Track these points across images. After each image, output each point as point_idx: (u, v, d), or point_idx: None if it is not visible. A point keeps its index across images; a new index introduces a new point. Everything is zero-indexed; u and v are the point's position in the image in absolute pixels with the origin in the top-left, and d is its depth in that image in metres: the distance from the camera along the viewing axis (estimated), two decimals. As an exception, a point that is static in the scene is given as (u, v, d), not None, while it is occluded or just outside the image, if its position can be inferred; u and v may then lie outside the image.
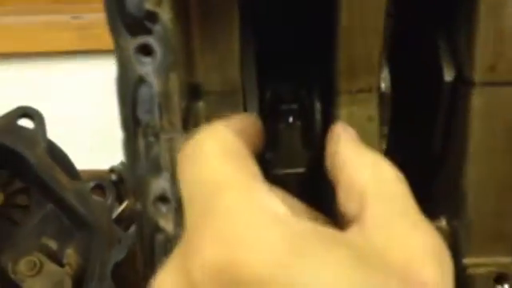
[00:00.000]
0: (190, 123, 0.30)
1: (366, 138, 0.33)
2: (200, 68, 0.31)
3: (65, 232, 0.58)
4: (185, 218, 0.23)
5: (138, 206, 0.27)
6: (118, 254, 0.57)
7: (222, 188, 0.21)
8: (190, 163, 0.23)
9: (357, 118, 0.33)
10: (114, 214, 0.62)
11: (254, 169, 0.23)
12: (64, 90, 1.12)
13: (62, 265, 0.56)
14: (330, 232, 0.21)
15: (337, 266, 0.19)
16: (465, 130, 0.33)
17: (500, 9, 0.30)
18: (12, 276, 0.56)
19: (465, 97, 0.33)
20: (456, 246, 0.35)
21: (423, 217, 0.23)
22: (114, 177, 0.69)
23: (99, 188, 0.60)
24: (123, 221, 0.62)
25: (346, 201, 0.24)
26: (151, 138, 0.25)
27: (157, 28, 0.24)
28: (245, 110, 0.33)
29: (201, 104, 0.32)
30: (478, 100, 0.32)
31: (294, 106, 0.36)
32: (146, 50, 0.24)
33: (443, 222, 0.36)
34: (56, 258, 0.57)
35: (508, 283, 0.34)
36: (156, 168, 0.26)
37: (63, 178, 0.57)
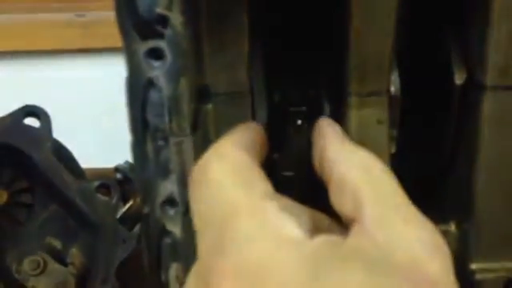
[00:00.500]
0: (199, 125, 0.29)
1: (375, 141, 0.33)
2: (208, 70, 0.31)
3: (69, 231, 0.58)
4: (198, 243, 0.23)
5: (146, 209, 0.27)
6: (122, 254, 0.57)
7: (234, 214, 0.22)
8: (199, 188, 0.23)
9: (366, 120, 0.33)
10: (119, 214, 0.62)
11: (264, 186, 0.23)
12: (68, 87, 1.12)
13: (65, 264, 0.56)
14: (339, 243, 0.22)
15: (353, 283, 0.19)
16: (475, 133, 0.33)
17: (513, 11, 0.30)
18: (16, 275, 0.56)
19: (476, 100, 0.32)
20: (465, 251, 0.34)
21: (417, 210, 0.23)
22: (118, 176, 0.68)
23: (104, 187, 0.60)
24: (128, 220, 0.62)
25: (340, 200, 0.24)
26: (160, 142, 0.25)
27: (168, 32, 0.24)
28: (253, 112, 0.33)
29: (209, 106, 0.32)
30: (489, 104, 0.32)
31: (303, 109, 0.36)
32: (156, 54, 0.24)
33: (452, 227, 0.36)
34: (60, 258, 0.57)
35: (517, 288, 0.34)
36: (164, 171, 0.26)
37: (68, 178, 0.57)
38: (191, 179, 0.24)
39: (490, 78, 0.31)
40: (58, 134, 0.64)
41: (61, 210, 0.58)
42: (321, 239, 0.21)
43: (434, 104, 0.35)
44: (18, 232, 0.59)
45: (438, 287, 0.21)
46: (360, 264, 0.20)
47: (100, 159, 0.85)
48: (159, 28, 0.23)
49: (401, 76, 0.33)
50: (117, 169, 0.70)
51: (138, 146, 0.25)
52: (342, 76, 0.32)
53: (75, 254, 0.56)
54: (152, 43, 0.24)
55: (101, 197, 0.59)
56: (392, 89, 0.33)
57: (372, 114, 0.32)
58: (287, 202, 0.25)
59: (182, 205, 0.26)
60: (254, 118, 0.33)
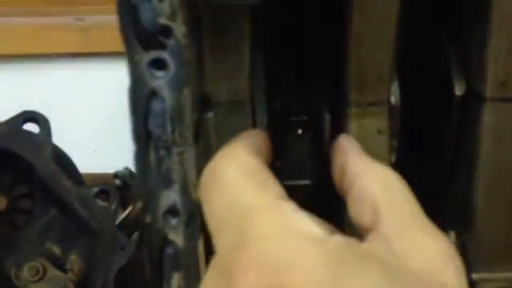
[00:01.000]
0: (201, 135, 0.29)
1: (375, 151, 0.33)
2: (210, 79, 0.31)
3: (68, 237, 0.58)
4: (215, 242, 0.23)
5: (148, 219, 0.27)
6: (121, 260, 0.57)
7: (252, 212, 0.22)
8: (213, 189, 0.24)
9: (366, 130, 0.33)
10: (118, 220, 0.62)
11: (277, 188, 0.24)
12: (68, 91, 1.12)
13: (65, 271, 0.56)
14: (358, 244, 0.22)
15: (372, 282, 0.20)
16: (475, 144, 0.33)
17: (512, 24, 0.30)
18: (15, 281, 0.56)
19: (475, 112, 0.33)
20: (465, 261, 0.34)
21: (432, 222, 0.24)
22: (118, 182, 0.68)
23: (103, 193, 0.60)
24: (127, 226, 0.62)
25: (359, 211, 0.25)
26: (162, 152, 0.25)
27: (170, 42, 0.24)
28: (254, 120, 0.33)
29: (210, 115, 0.32)
30: (488, 115, 0.32)
31: (304, 118, 0.36)
32: (159, 64, 0.24)
33: (452, 237, 0.36)
34: (59, 264, 0.57)
35: (517, 299, 0.34)
36: (167, 181, 0.26)
37: (67, 183, 0.57)
38: (202, 180, 0.25)
39: (490, 89, 0.32)
40: (57, 137, 0.64)
41: (60, 216, 0.58)
42: (339, 237, 0.22)
43: (433, 115, 0.35)
44: (17, 238, 0.58)
45: None
46: (379, 265, 0.21)
47: (99, 164, 0.85)
48: (162, 39, 0.24)
49: (401, 86, 0.33)
50: (116, 175, 0.70)
51: (140, 155, 0.25)
52: (342, 86, 0.32)
53: (74, 261, 0.56)
54: (155, 53, 0.24)
55: (100, 203, 0.59)
56: (392, 99, 0.33)
57: (372, 124, 0.33)
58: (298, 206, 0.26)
59: (184, 214, 0.26)
60: (254, 126, 0.33)
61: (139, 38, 0.24)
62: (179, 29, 0.24)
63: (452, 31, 0.34)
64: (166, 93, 0.24)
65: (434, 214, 0.36)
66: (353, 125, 0.33)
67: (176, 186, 0.26)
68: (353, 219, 0.25)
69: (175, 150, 0.26)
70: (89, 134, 1.11)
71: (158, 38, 0.24)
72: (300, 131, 0.36)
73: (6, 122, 0.59)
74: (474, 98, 0.33)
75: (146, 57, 0.24)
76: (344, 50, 0.31)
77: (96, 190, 0.59)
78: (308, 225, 0.22)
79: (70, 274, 0.56)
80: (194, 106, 0.26)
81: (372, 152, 0.32)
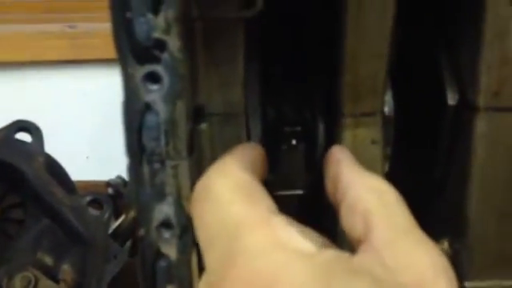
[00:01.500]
0: (195, 148, 0.29)
1: (369, 161, 0.33)
2: (204, 90, 0.31)
3: (60, 247, 0.58)
4: (205, 257, 0.23)
5: (141, 232, 0.27)
6: (113, 269, 0.57)
7: (241, 229, 0.22)
8: (204, 205, 0.24)
9: (360, 140, 0.33)
10: (111, 229, 0.61)
11: (268, 202, 0.24)
12: (59, 99, 1.11)
13: (57, 281, 0.56)
14: (348, 258, 0.22)
15: None
16: (467, 154, 0.33)
17: (505, 34, 0.30)
18: (7, 292, 0.55)
19: (468, 121, 0.33)
20: (458, 270, 0.35)
21: (425, 235, 0.24)
22: (110, 191, 0.68)
23: (96, 202, 0.60)
24: (120, 235, 0.62)
25: (351, 221, 0.25)
26: (156, 165, 0.25)
27: (165, 56, 0.24)
28: (248, 131, 0.33)
29: (204, 126, 0.32)
30: (481, 125, 0.32)
31: (298, 128, 0.36)
32: (153, 78, 0.24)
33: (445, 245, 0.36)
34: (51, 274, 0.56)
35: (511, 307, 0.34)
36: (160, 194, 0.26)
37: (60, 193, 0.57)
38: (194, 196, 0.25)
39: (482, 99, 0.32)
40: (49, 144, 0.64)
41: (52, 226, 0.58)
42: (329, 252, 0.22)
43: (427, 124, 0.36)
44: (9, 247, 0.58)
45: None
46: (369, 280, 0.21)
47: (92, 172, 0.85)
48: (157, 52, 0.24)
49: (394, 97, 0.33)
50: (109, 184, 0.70)
51: (134, 169, 0.25)
52: (336, 97, 0.32)
53: (67, 271, 0.56)
54: (149, 67, 0.24)
55: (92, 212, 0.58)
56: (386, 109, 0.33)
57: (366, 134, 0.33)
58: (289, 219, 0.25)
59: (177, 227, 0.26)
60: (248, 137, 0.33)
61: (134, 52, 0.24)
62: (174, 43, 0.24)
63: (445, 42, 0.34)
64: (160, 106, 0.24)
65: (428, 222, 0.36)
66: (347, 135, 0.33)
67: (170, 199, 0.26)
68: (345, 230, 0.25)
69: (169, 164, 0.26)
70: (81, 141, 1.10)
71: (153, 51, 0.24)
72: (294, 141, 0.36)
73: (-2, 131, 0.58)
74: (467, 107, 0.33)
75: (141, 71, 0.24)
76: (338, 61, 0.31)
77: (89, 198, 0.59)
78: (297, 240, 0.22)
79: (62, 284, 0.55)
80: (188, 118, 0.26)
81: (366, 162, 0.32)
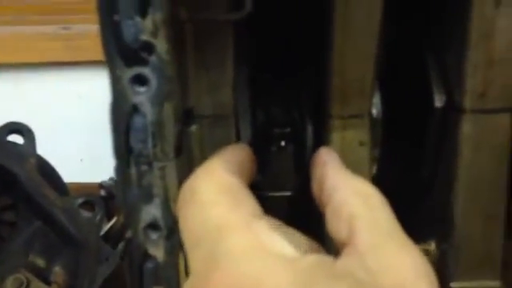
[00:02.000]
0: (183, 148, 0.30)
1: (356, 162, 0.33)
2: (193, 92, 0.31)
3: (52, 249, 0.58)
4: (190, 259, 0.23)
5: (129, 233, 0.27)
6: (105, 271, 0.57)
7: (225, 232, 0.22)
8: (189, 206, 0.24)
9: (348, 142, 0.33)
10: (103, 231, 0.61)
11: (252, 205, 0.24)
12: (53, 101, 1.11)
13: (49, 283, 0.56)
14: (330, 263, 0.22)
15: None
16: (454, 155, 0.33)
17: (490, 37, 0.31)
18: (-2, 294, 0.55)
19: (455, 123, 0.33)
20: (444, 270, 0.35)
21: (409, 239, 0.24)
22: (103, 192, 0.68)
23: (88, 204, 0.60)
24: (112, 237, 0.62)
25: (336, 225, 0.25)
26: (144, 167, 0.26)
27: (152, 59, 0.24)
28: (237, 133, 0.34)
29: (194, 128, 0.32)
30: (467, 126, 0.33)
31: (287, 130, 0.36)
32: (140, 80, 0.24)
33: (432, 246, 0.36)
34: (43, 276, 0.56)
35: (496, 307, 0.34)
36: (148, 196, 0.26)
37: (52, 195, 0.57)
38: (180, 199, 0.25)
39: (469, 101, 0.32)
40: (43, 146, 0.64)
41: (44, 228, 0.58)
42: (312, 257, 0.22)
43: (415, 126, 0.36)
44: (1, 250, 0.58)
45: None
46: (351, 283, 0.21)
47: (86, 173, 0.85)
48: (144, 55, 0.24)
49: (382, 98, 0.34)
50: (101, 185, 0.70)
51: (121, 170, 0.26)
52: (324, 99, 0.32)
53: (58, 273, 0.56)
54: (137, 69, 0.24)
55: (84, 214, 0.58)
56: (374, 111, 0.33)
57: (354, 136, 0.33)
58: (275, 222, 0.25)
59: (165, 229, 0.26)
60: (238, 139, 0.34)
61: (121, 54, 0.24)
62: (161, 45, 0.24)
63: (432, 44, 0.35)
64: (148, 108, 0.25)
65: (416, 223, 0.37)
66: (335, 137, 0.33)
67: (157, 201, 0.26)
68: (330, 233, 0.25)
69: (156, 165, 0.26)
70: (75, 144, 1.10)
71: (140, 54, 0.24)
72: (283, 143, 0.36)
73: (-11, 133, 0.58)
74: (454, 109, 0.33)
75: (128, 73, 0.24)
76: (326, 63, 0.31)
77: (81, 200, 0.59)
78: (280, 244, 0.22)
79: (54, 286, 0.55)
80: (177, 120, 0.26)
81: (354, 163, 0.33)
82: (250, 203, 0.24)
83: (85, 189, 0.72)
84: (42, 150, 0.65)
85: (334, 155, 0.30)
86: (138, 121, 0.25)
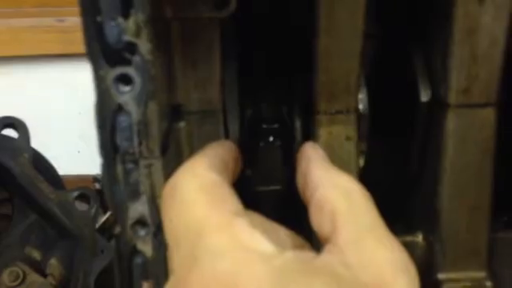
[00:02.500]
0: (171, 144, 0.30)
1: (344, 157, 0.33)
2: (181, 88, 0.32)
3: (48, 242, 0.58)
4: (171, 257, 0.24)
5: (117, 230, 0.27)
6: (100, 264, 0.57)
7: (204, 231, 0.22)
8: (171, 204, 0.24)
9: (335, 137, 0.33)
10: (98, 224, 0.62)
11: (234, 203, 0.24)
12: (48, 93, 1.11)
13: (45, 275, 0.56)
14: (309, 259, 0.23)
15: None
16: (440, 149, 0.34)
17: (474, 33, 0.31)
18: (-5, 286, 0.56)
19: (440, 117, 0.33)
20: (431, 261, 0.36)
21: (389, 232, 0.24)
22: (98, 186, 0.69)
23: (83, 197, 0.60)
24: (107, 230, 0.62)
25: (319, 219, 0.25)
26: (130, 165, 0.26)
27: (135, 59, 0.24)
28: (226, 129, 0.34)
29: (182, 124, 0.32)
30: (452, 121, 0.33)
31: (275, 126, 0.36)
32: (124, 80, 0.24)
33: (419, 238, 0.37)
34: (39, 269, 0.57)
35: (482, 298, 0.35)
36: (135, 193, 0.27)
37: (46, 188, 0.57)
38: (163, 197, 0.25)
39: (453, 96, 0.33)
40: (40, 138, 0.64)
41: (40, 221, 0.59)
42: (291, 254, 0.22)
43: (401, 121, 0.36)
44: (-4, 243, 0.59)
45: None
46: (328, 280, 0.21)
47: (83, 167, 0.85)
48: (127, 55, 0.24)
49: (369, 93, 0.34)
50: (95, 179, 0.70)
51: (107, 168, 0.26)
52: (312, 95, 0.33)
53: (54, 265, 0.56)
54: (120, 69, 0.24)
55: (79, 207, 0.59)
56: (360, 106, 0.34)
57: (341, 131, 0.33)
58: (258, 218, 0.26)
59: (152, 225, 0.27)
60: (226, 135, 0.34)
61: (105, 55, 0.24)
62: (144, 45, 0.24)
63: (418, 41, 0.35)
64: (132, 107, 0.25)
65: (403, 215, 0.37)
66: (322, 132, 0.33)
67: (144, 198, 0.27)
68: (313, 228, 0.26)
69: (143, 163, 0.26)
70: (72, 136, 1.10)
71: (124, 54, 0.24)
72: (272, 138, 0.37)
73: (-17, 127, 0.59)
74: (439, 104, 0.33)
75: (112, 73, 0.24)
76: (313, 60, 0.32)
77: (76, 193, 0.59)
78: (259, 242, 0.22)
79: (49, 279, 0.56)
80: (162, 117, 0.27)
81: (341, 158, 0.33)
82: (231, 201, 0.24)
83: (83, 181, 0.73)
84: (38, 142, 0.65)
85: (319, 150, 0.30)
86: (123, 119, 0.25)
